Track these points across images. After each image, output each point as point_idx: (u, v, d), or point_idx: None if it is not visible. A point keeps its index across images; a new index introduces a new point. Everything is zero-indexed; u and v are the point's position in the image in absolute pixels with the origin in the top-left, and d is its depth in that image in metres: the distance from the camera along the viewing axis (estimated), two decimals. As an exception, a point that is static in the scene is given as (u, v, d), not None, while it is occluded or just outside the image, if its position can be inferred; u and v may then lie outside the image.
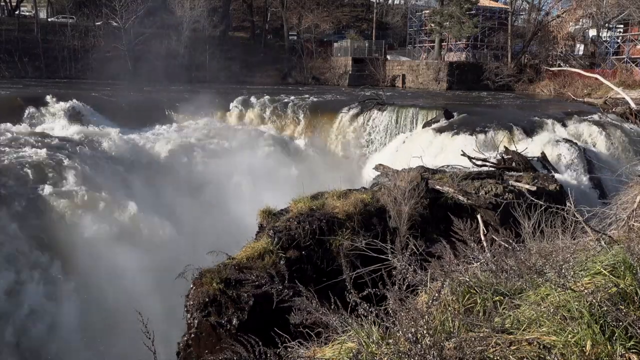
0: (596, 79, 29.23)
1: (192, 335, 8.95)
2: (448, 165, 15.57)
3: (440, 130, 21.82)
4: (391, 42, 58.77)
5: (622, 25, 45.20)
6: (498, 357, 2.69)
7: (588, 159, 18.88)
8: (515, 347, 2.76)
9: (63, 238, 14.36)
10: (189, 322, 8.99)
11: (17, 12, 53.15)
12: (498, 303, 3.39)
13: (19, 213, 14.36)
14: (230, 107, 27.11)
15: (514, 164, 15.95)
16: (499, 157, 16.45)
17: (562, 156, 18.49)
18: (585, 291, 2.95)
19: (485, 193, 13.05)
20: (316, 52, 54.76)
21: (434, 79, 46.32)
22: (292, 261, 10.05)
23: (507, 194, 12.89)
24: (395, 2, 70.46)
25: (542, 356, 2.67)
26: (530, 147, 18.26)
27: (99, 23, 49.90)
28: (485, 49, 50.34)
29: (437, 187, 13.10)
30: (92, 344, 12.25)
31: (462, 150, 16.54)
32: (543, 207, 6.32)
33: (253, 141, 23.11)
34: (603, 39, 46.46)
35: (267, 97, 27.97)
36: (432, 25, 49.66)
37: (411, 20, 56.40)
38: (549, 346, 2.70)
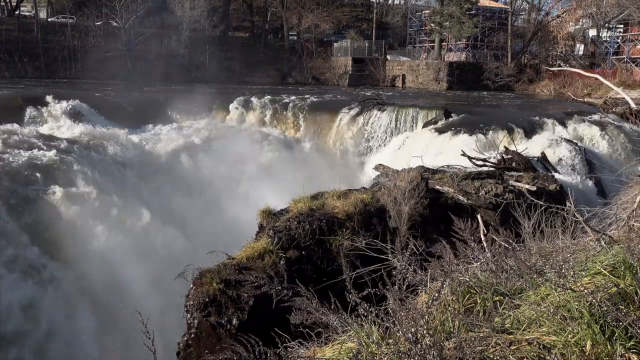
0: (596, 79, 29.29)
1: (192, 335, 8.95)
2: (448, 165, 15.56)
3: (440, 131, 21.81)
4: (391, 42, 58.76)
5: (622, 25, 45.20)
6: (498, 357, 2.69)
7: (588, 159, 18.89)
8: (515, 347, 2.76)
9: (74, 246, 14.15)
10: (189, 322, 8.99)
11: (17, 12, 53.15)
12: (498, 303, 3.39)
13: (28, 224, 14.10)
14: (231, 108, 27.07)
15: (514, 164, 15.96)
16: (499, 157, 16.45)
17: (562, 156, 18.49)
18: (585, 291, 2.94)
19: (485, 193, 13.05)
20: (316, 52, 54.72)
21: (434, 79, 46.29)
22: (292, 261, 10.06)
23: (507, 194, 12.89)
24: (395, 2, 70.51)
25: (542, 356, 2.67)
26: (530, 147, 18.27)
27: (99, 23, 49.87)
28: (485, 49, 50.33)
29: (437, 187, 13.10)
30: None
31: (462, 150, 16.54)
32: (543, 207, 6.32)
33: (253, 141, 23.12)
34: (603, 39, 46.46)
35: (267, 97, 27.90)
36: (432, 25, 49.64)
37: (411, 20, 56.39)
38: (549, 346, 2.70)
